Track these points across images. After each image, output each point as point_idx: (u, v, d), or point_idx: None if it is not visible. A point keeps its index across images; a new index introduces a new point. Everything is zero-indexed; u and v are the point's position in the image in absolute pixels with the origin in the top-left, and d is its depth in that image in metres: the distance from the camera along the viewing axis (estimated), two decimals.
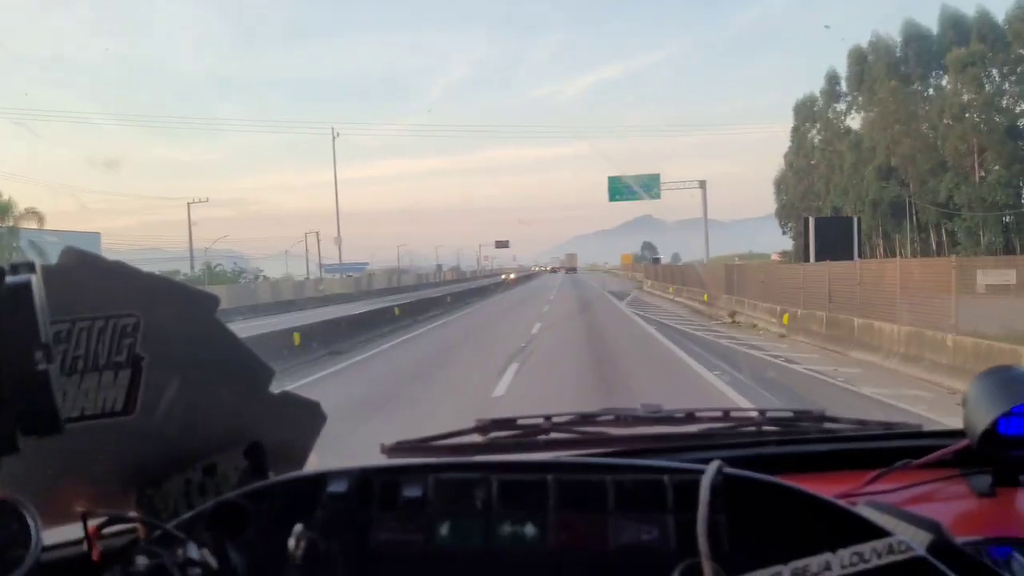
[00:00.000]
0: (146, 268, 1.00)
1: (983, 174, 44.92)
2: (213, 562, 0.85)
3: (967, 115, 45.65)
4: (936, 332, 10.55)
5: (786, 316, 16.67)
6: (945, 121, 47.63)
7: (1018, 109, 45.57)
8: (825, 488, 0.94)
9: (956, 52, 45.19)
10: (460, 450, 1.24)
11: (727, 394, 9.15)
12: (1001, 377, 1.12)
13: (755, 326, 18.22)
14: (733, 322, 20.09)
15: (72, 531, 1.00)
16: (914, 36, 52.09)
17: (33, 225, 36.34)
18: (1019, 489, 1.11)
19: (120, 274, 0.97)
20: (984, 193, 44.01)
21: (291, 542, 0.86)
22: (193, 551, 0.84)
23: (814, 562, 0.78)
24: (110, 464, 1.00)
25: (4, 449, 0.67)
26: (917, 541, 0.80)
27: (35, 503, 0.83)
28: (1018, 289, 12.35)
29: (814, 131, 67.05)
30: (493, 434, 1.31)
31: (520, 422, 1.33)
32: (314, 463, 1.11)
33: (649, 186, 48.57)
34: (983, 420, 1.08)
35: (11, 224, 34.79)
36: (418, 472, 0.95)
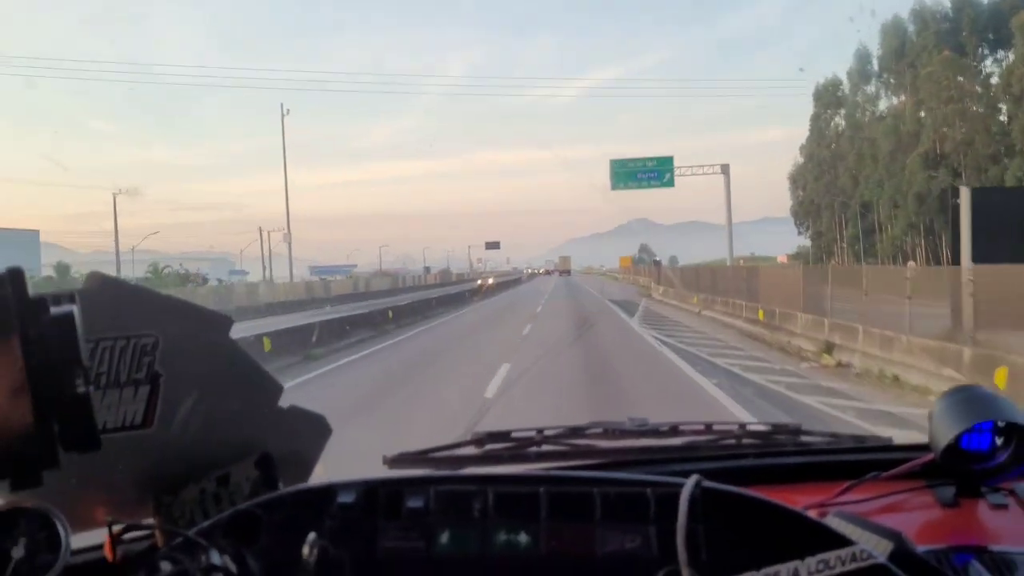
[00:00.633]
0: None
1: None
2: (233, 568, 0.93)
3: None
4: None
5: (1002, 373, 8.53)
6: (1010, 97, 41.75)
7: None
8: (799, 498, 1.04)
9: None
10: (457, 461, 1.32)
11: None
12: (964, 396, 1.21)
13: (896, 379, 10.68)
14: (837, 364, 12.55)
15: (87, 538, 1.08)
16: (967, 1, 46.45)
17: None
18: (980, 500, 1.20)
19: (140, 296, 1.06)
20: None
21: (305, 549, 0.94)
22: (215, 557, 0.92)
23: (784, 569, 0.86)
24: (129, 474, 1.09)
25: (47, 464, 0.75)
26: (879, 550, 0.88)
27: (58, 511, 0.93)
28: None
29: (838, 118, 61.22)
30: (488, 446, 1.38)
31: (514, 435, 1.41)
32: (320, 473, 1.19)
33: (660, 171, 41.14)
34: (947, 435, 1.16)
35: None
36: (420, 484, 1.04)
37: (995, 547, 1.05)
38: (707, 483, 0.96)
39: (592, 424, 1.46)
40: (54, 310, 0.76)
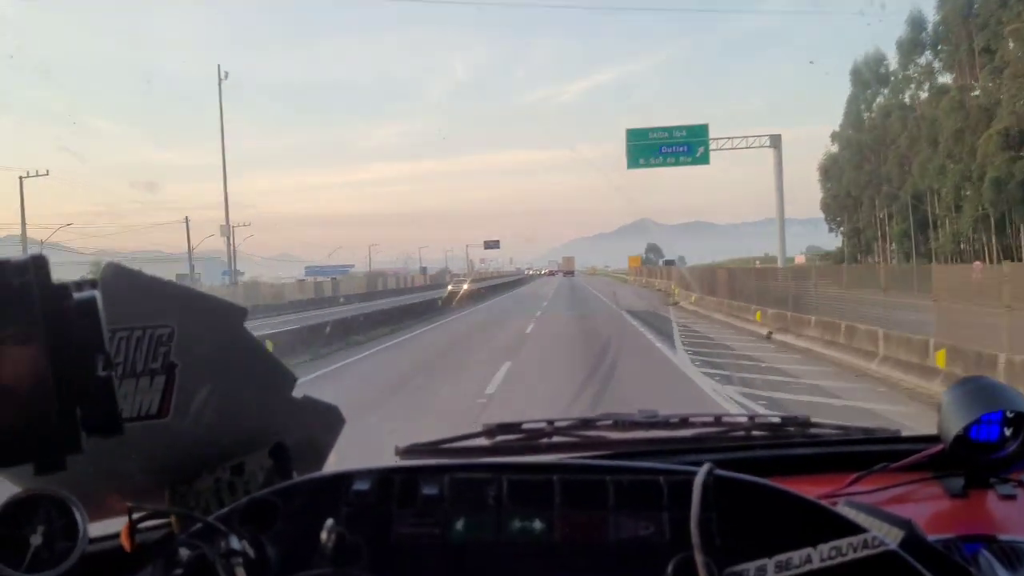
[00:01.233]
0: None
1: None
2: (251, 553, 0.97)
3: None
4: None
5: None
6: None
7: None
8: (809, 489, 1.06)
9: None
10: (469, 452, 1.37)
11: None
12: (973, 387, 1.24)
13: None
14: None
15: (104, 526, 1.12)
16: None
17: None
18: (989, 491, 1.25)
19: (156, 287, 1.09)
20: None
21: (323, 535, 0.98)
22: (235, 542, 0.96)
23: (796, 555, 0.89)
24: (145, 463, 1.13)
25: (71, 449, 0.77)
26: (890, 537, 0.91)
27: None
28: None
29: (881, 97, 53.65)
30: (499, 437, 1.43)
31: (525, 426, 1.46)
32: (333, 463, 1.24)
33: (691, 144, 32.30)
34: (956, 426, 1.20)
35: None
36: (435, 472, 1.08)
37: (1004, 537, 1.09)
38: (720, 471, 1.00)
39: (602, 416, 1.49)
40: (77, 296, 0.77)
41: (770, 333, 17.42)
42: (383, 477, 1.07)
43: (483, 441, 1.41)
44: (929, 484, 1.28)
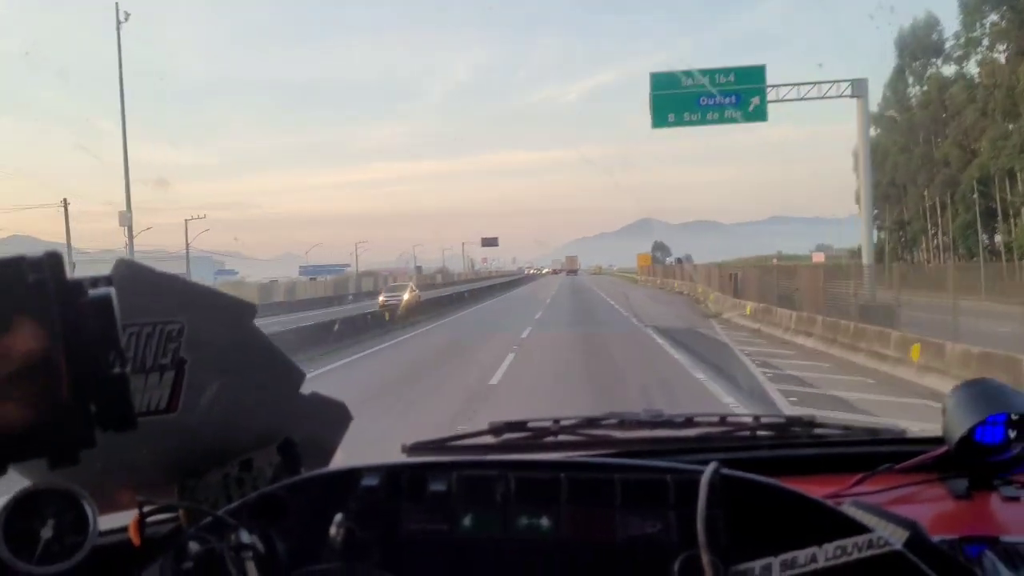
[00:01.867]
0: None
1: None
2: (261, 547, 0.97)
3: None
4: None
5: None
6: None
7: None
8: (813, 489, 1.06)
9: None
10: (475, 450, 1.36)
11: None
12: (977, 389, 1.24)
13: None
14: None
15: (113, 520, 1.12)
16: None
17: None
18: (993, 492, 1.24)
19: (168, 284, 1.09)
20: None
21: (332, 529, 0.99)
22: (245, 536, 0.96)
23: (802, 554, 0.89)
24: (154, 458, 1.13)
25: (84, 443, 0.76)
26: (895, 537, 0.90)
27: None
28: None
29: (934, 69, 44.17)
30: (506, 435, 1.43)
31: (531, 425, 1.45)
32: (340, 459, 1.24)
33: (742, 93, 21.51)
34: (960, 428, 1.20)
35: None
36: (443, 469, 1.08)
37: (1007, 538, 1.08)
38: (726, 470, 1.00)
39: (608, 415, 1.47)
40: (92, 292, 0.77)
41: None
42: (392, 473, 1.07)
43: (489, 439, 1.41)
44: (933, 485, 1.28)
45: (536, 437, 1.42)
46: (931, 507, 1.23)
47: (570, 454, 1.32)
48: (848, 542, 0.88)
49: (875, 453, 1.36)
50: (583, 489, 1.02)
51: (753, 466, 1.19)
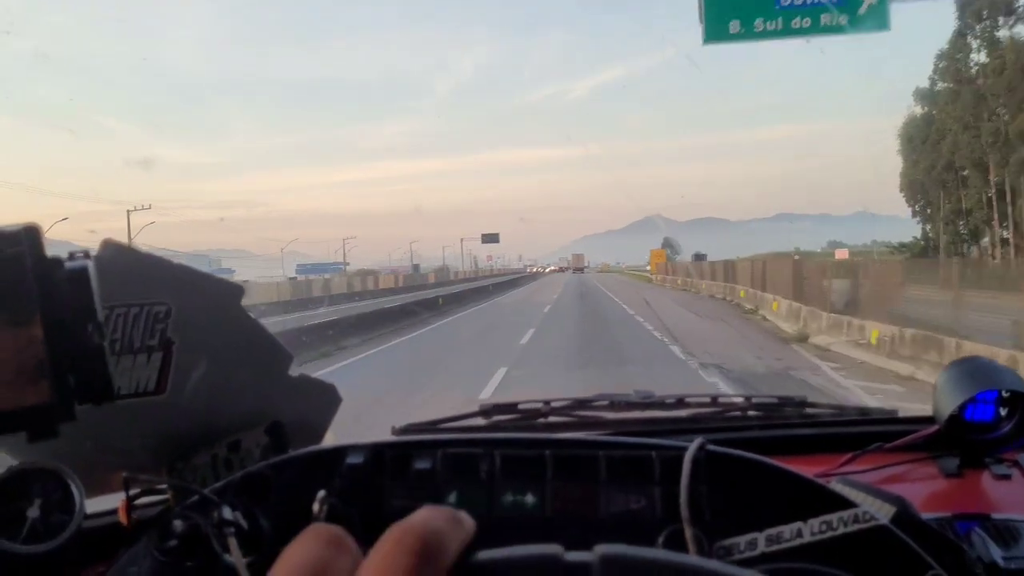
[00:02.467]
0: None
1: None
2: (244, 523, 0.98)
3: None
4: None
5: None
6: None
7: None
8: (803, 468, 1.05)
9: None
10: (464, 431, 1.37)
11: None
12: (967, 367, 1.23)
13: None
14: None
15: (100, 503, 1.14)
16: None
17: None
18: (984, 470, 1.24)
19: (153, 265, 1.09)
20: None
21: (315, 506, 0.99)
22: (227, 512, 0.97)
23: (787, 529, 0.89)
24: (142, 439, 1.14)
25: (63, 417, 0.76)
26: (882, 513, 0.91)
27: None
28: None
29: (1006, 28, 38.37)
30: (495, 417, 1.43)
31: (520, 406, 1.45)
32: (330, 441, 1.24)
33: None
34: (950, 406, 1.20)
35: None
36: (427, 447, 1.09)
37: (998, 515, 1.08)
38: (711, 446, 1.01)
39: (598, 396, 1.48)
40: (68, 265, 0.77)
41: None
42: (376, 451, 1.08)
43: (479, 420, 1.41)
44: (924, 464, 1.28)
45: (526, 419, 1.42)
46: (922, 485, 1.23)
47: (557, 434, 1.33)
48: (834, 517, 0.88)
49: (866, 433, 1.36)
50: (568, 466, 1.02)
51: (743, 446, 1.19)
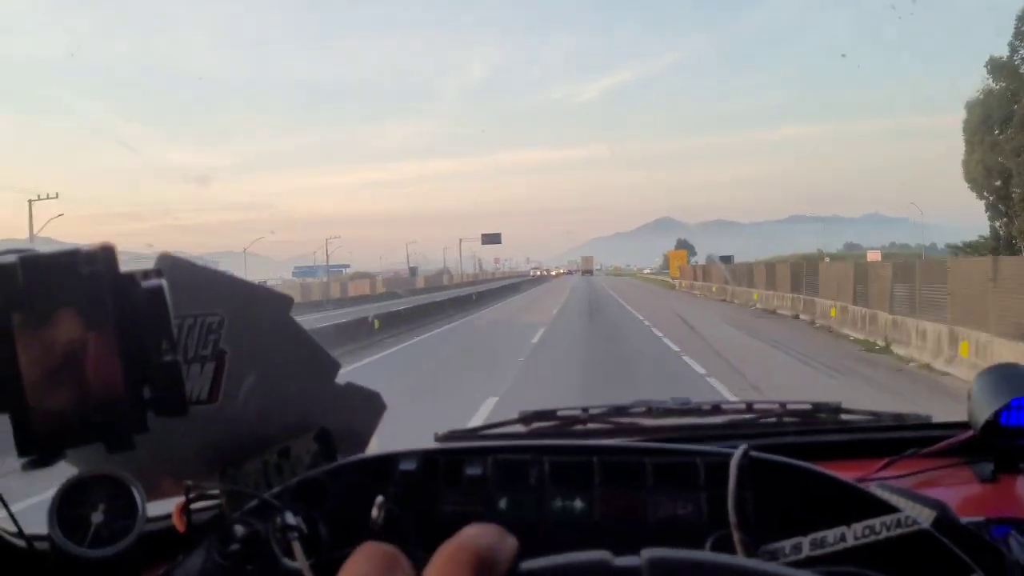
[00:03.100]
0: None
1: None
2: (304, 528, 1.02)
3: None
4: None
5: None
6: None
7: None
8: (840, 474, 1.08)
9: None
10: (506, 438, 1.39)
11: None
12: (1002, 373, 1.25)
13: None
14: None
15: (157, 508, 1.16)
16: None
17: None
18: (1019, 476, 1.26)
19: (206, 277, 1.14)
20: None
21: (374, 511, 1.03)
22: (290, 518, 1.00)
23: (831, 534, 0.92)
24: (195, 447, 1.17)
25: (138, 428, 0.80)
26: (923, 517, 0.93)
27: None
28: None
29: None
30: (535, 424, 1.45)
31: (560, 413, 1.48)
32: (375, 447, 1.28)
33: None
34: (985, 412, 1.22)
35: None
36: (478, 453, 1.12)
37: None
38: (755, 452, 1.03)
39: (636, 403, 1.50)
40: (145, 284, 0.81)
41: None
42: (428, 458, 1.11)
43: (519, 427, 1.44)
44: (959, 469, 1.29)
45: (565, 425, 1.46)
46: (957, 490, 1.25)
47: (600, 440, 1.34)
48: (876, 522, 0.90)
49: (901, 439, 1.38)
50: (615, 472, 1.05)
51: (780, 451, 1.21)
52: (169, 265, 1.07)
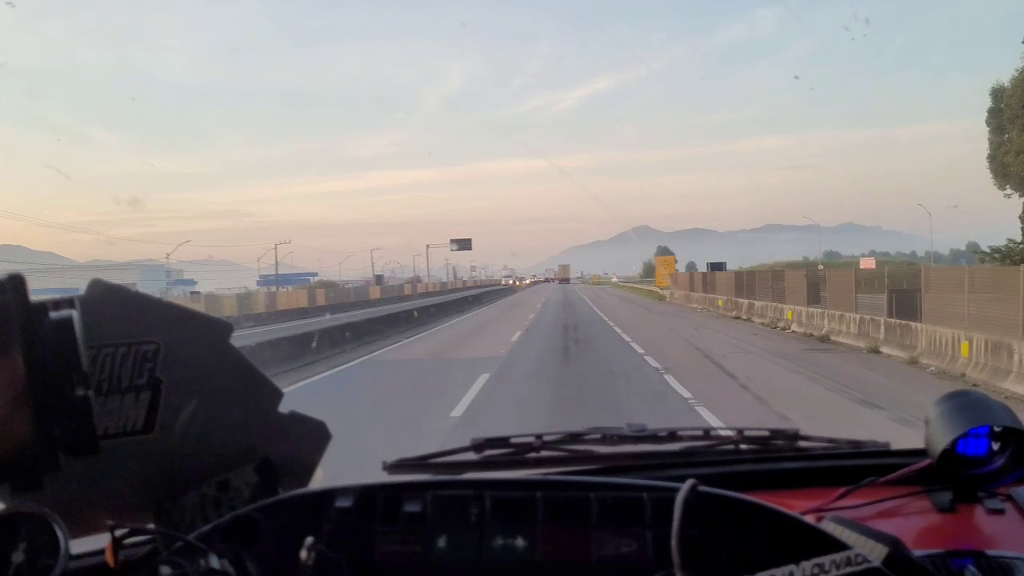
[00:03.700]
0: None
1: None
2: (232, 571, 0.99)
3: None
4: None
5: None
6: None
7: None
8: (796, 504, 1.09)
9: None
10: (457, 467, 1.38)
11: None
12: (960, 401, 1.25)
13: None
14: None
15: (89, 543, 1.12)
16: None
17: None
18: (977, 505, 1.25)
19: (142, 303, 1.11)
20: None
21: (303, 553, 0.99)
22: (214, 561, 0.98)
23: (779, 572, 0.89)
24: (130, 479, 1.14)
25: (48, 468, 0.78)
26: (874, 554, 0.92)
27: (60, 516, 1.00)
28: None
29: None
30: (487, 452, 1.44)
31: (513, 440, 1.47)
32: (320, 478, 1.25)
33: None
34: (943, 441, 1.21)
35: None
36: (417, 489, 1.10)
37: (992, 552, 1.09)
38: (702, 487, 1.01)
39: (591, 430, 1.48)
40: (53, 315, 0.78)
41: None
42: (366, 494, 1.08)
43: (471, 456, 1.41)
44: (917, 498, 1.29)
45: (518, 453, 1.43)
46: (915, 520, 1.24)
47: (550, 470, 1.34)
48: (826, 559, 0.88)
49: (859, 466, 1.37)
50: (559, 508, 1.03)
51: (736, 481, 1.20)
52: (101, 291, 1.04)
